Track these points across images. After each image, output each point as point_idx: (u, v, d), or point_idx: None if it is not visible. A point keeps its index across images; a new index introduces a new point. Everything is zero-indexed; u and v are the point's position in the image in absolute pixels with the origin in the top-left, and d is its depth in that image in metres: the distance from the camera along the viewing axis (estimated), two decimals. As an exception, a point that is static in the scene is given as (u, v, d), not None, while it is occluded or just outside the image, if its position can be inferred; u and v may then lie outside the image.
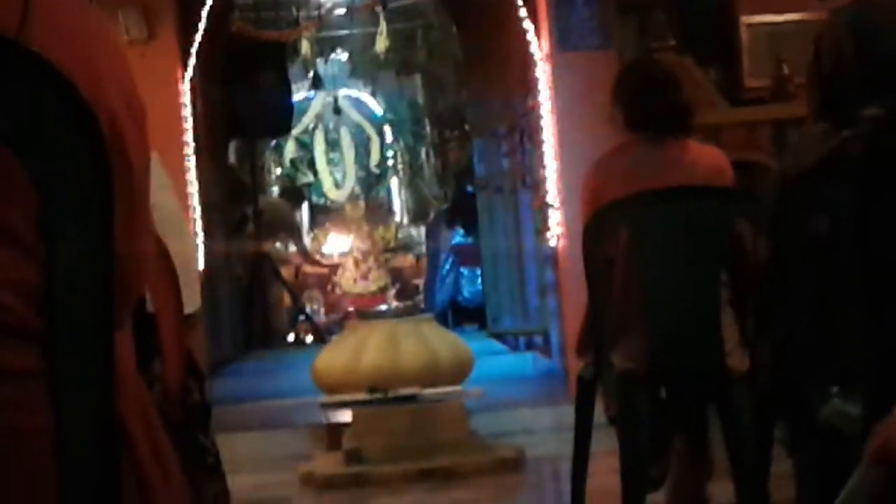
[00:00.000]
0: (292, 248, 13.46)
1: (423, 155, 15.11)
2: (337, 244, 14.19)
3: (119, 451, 1.38)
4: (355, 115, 14.93)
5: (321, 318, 12.99)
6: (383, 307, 8.48)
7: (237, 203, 11.85)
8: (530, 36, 7.68)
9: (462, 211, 12.16)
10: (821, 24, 3.28)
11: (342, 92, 14.77)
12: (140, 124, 1.46)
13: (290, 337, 12.41)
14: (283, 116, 11.74)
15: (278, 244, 13.06)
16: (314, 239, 14.15)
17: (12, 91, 1.29)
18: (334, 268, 13.84)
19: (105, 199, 1.32)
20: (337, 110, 14.73)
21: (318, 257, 13.86)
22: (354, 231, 14.02)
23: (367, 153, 15.01)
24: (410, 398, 6.25)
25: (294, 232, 13.29)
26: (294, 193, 14.15)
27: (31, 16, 1.35)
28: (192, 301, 3.18)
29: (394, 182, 15.12)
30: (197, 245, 7.51)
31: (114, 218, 1.33)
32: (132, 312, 1.54)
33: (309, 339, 12.09)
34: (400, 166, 15.11)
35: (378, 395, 6.24)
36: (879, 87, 2.94)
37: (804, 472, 3.55)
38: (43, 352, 1.33)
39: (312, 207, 14.59)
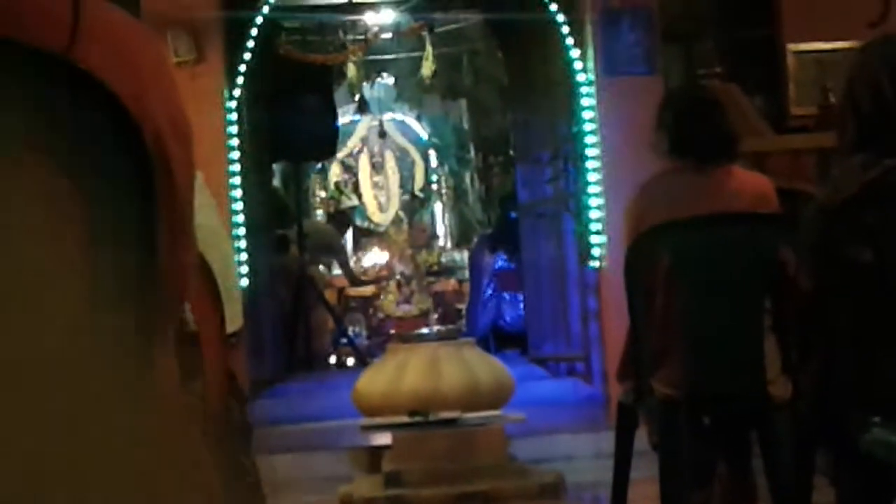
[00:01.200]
0: (336, 270, 13.49)
1: (467, 180, 15.13)
2: (377, 268, 14.23)
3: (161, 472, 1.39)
4: (400, 139, 14.96)
5: (363, 340, 13.00)
6: (425, 331, 8.46)
7: (281, 225, 11.89)
8: (576, 61, 7.69)
9: (505, 236, 12.16)
10: (853, 58, 3.27)
11: (387, 116, 14.81)
12: (186, 144, 1.47)
13: (332, 359, 12.42)
14: (328, 140, 11.77)
15: (322, 267, 13.10)
16: (357, 262, 14.19)
17: (60, 108, 1.31)
18: (378, 283, 13.84)
19: (148, 214, 1.33)
20: (382, 134, 14.77)
21: (363, 277, 13.89)
22: (397, 254, 14.05)
23: (412, 177, 15.04)
24: (451, 422, 6.24)
25: (340, 254, 13.33)
26: (339, 218, 14.19)
27: (81, 32, 1.36)
28: (234, 320, 3.19)
29: (437, 206, 15.14)
30: (239, 265, 7.54)
31: (157, 235, 1.34)
32: (175, 330, 1.55)
33: (351, 361, 12.10)
34: (444, 191, 15.12)
35: (418, 419, 6.24)
36: None
37: (846, 502, 3.52)
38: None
39: (356, 230, 14.63)
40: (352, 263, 13.86)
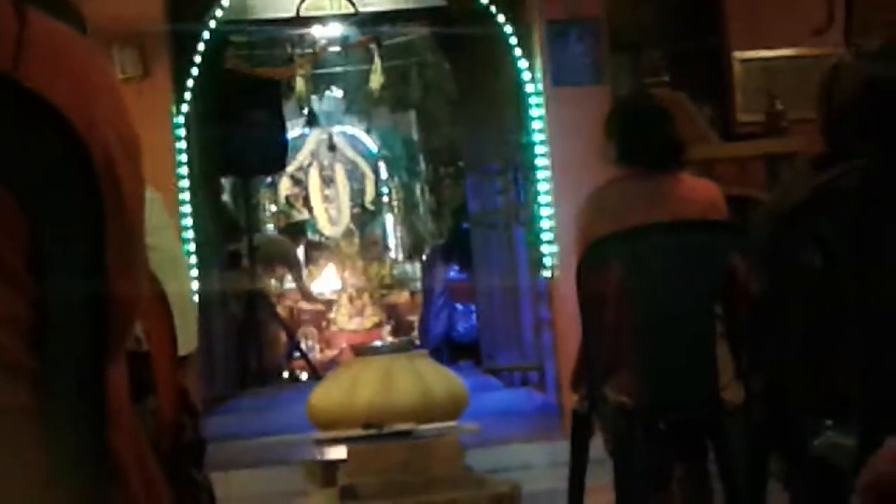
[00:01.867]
0: (288, 284, 13.45)
1: (417, 191, 15.12)
2: (329, 281, 14.19)
3: (111, 489, 1.38)
4: (350, 152, 14.94)
5: (316, 354, 12.97)
6: (378, 343, 8.45)
7: (231, 240, 11.84)
8: (524, 72, 7.71)
9: (457, 247, 12.17)
10: (827, 71, 3.27)
11: (337, 129, 14.79)
12: (135, 161, 1.46)
13: (286, 374, 12.38)
14: (277, 153, 11.73)
15: (273, 281, 13.06)
16: (309, 275, 14.15)
17: (6, 126, 1.30)
18: (329, 304, 13.82)
19: (96, 233, 1.32)
20: (332, 147, 14.74)
21: (315, 295, 13.87)
22: (349, 267, 14.03)
23: (362, 190, 15.02)
24: (405, 434, 6.24)
25: (294, 267, 13.27)
26: (294, 229, 14.14)
27: (26, 50, 1.35)
28: (188, 343, 3.19)
29: (389, 218, 15.13)
30: (192, 286, 7.50)
31: (106, 253, 1.33)
32: (125, 348, 1.54)
33: (304, 375, 12.06)
34: (395, 203, 15.11)
35: (373, 431, 6.23)
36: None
37: (799, 505, 3.54)
38: (34, 388, 1.33)
39: (308, 244, 14.60)
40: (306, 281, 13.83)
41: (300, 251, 14.10)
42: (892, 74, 3.00)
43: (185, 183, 7.67)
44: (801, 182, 3.13)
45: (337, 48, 13.18)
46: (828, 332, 2.90)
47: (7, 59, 1.34)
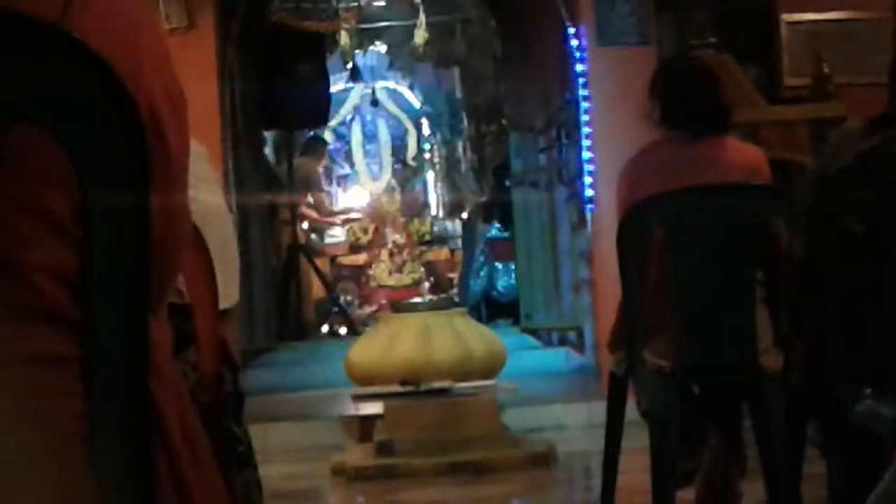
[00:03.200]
0: (329, 239, 13.46)
1: (460, 149, 15.11)
2: (354, 198, 14.15)
3: (152, 439, 1.39)
4: (393, 108, 14.94)
5: (355, 310, 13.00)
6: (417, 300, 8.46)
7: (271, 193, 11.86)
8: (569, 31, 7.68)
9: (498, 205, 12.16)
10: None
11: (380, 84, 14.78)
12: (180, 114, 1.47)
13: (324, 328, 12.43)
14: (321, 108, 11.74)
15: (314, 235, 13.06)
16: (331, 196, 14.06)
17: (53, 77, 1.31)
18: (348, 221, 13.67)
19: (142, 186, 1.34)
20: (374, 102, 14.74)
21: (335, 211, 13.75)
22: (389, 223, 14.03)
23: (404, 146, 15.02)
24: (442, 391, 6.26)
25: (312, 187, 12.91)
26: (314, 144, 13.53)
27: (74, 1, 1.36)
28: (229, 296, 3.19)
29: (430, 175, 15.13)
30: (234, 240, 7.53)
31: (151, 205, 1.35)
32: (168, 301, 1.56)
33: (343, 330, 12.10)
34: (436, 160, 15.11)
35: (410, 388, 6.26)
36: None
37: (836, 473, 3.54)
38: (79, 338, 1.34)
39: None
40: (328, 200, 13.73)
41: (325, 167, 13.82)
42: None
43: (228, 136, 7.68)
44: (846, 147, 3.11)
45: (382, 3, 13.14)
46: (869, 299, 2.89)
47: (56, 9, 1.35)
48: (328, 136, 14.60)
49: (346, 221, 13.67)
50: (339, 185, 14.56)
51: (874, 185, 2.87)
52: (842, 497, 3.37)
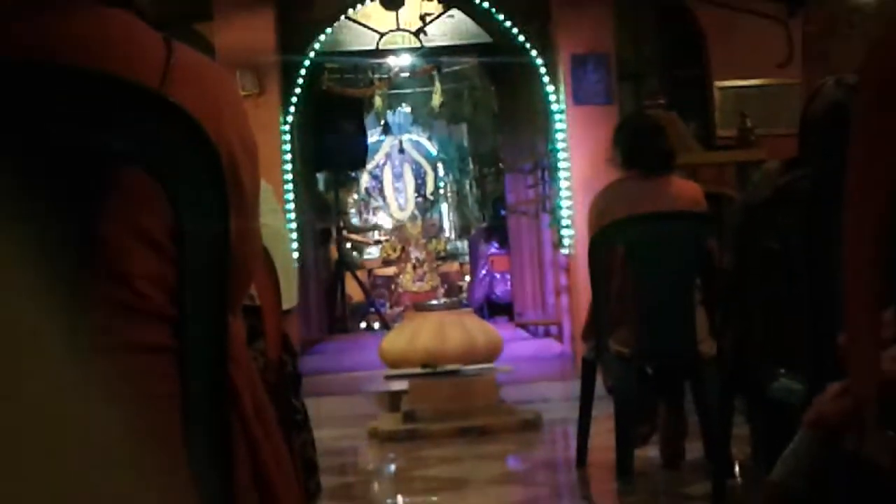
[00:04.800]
0: (366, 255, 13.46)
1: (467, 186, 15.10)
2: (378, 219, 14.23)
3: (230, 410, 1.39)
4: (415, 155, 14.94)
5: (386, 310, 13.00)
6: (434, 302, 8.46)
7: (323, 220, 11.86)
8: (551, 94, 7.67)
9: (496, 229, 12.16)
10: (811, 93, 3.21)
11: (405, 136, 14.78)
12: (252, 159, 1.47)
13: (363, 324, 12.42)
14: (360, 155, 11.76)
15: (355, 253, 13.06)
16: (363, 218, 14.18)
17: (155, 131, 1.31)
18: (366, 237, 13.78)
19: (223, 213, 1.34)
20: (401, 150, 14.74)
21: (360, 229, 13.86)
22: (413, 243, 14.01)
23: (424, 184, 15.02)
24: (454, 372, 6.25)
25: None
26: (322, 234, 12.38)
27: (171, 73, 1.37)
28: (289, 299, 3.19)
29: (444, 206, 15.12)
30: (294, 256, 7.53)
31: (230, 228, 1.35)
32: (243, 303, 1.56)
33: (377, 326, 12.10)
34: (449, 194, 15.09)
35: (429, 370, 6.24)
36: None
37: (758, 435, 3.53)
38: (173, 331, 1.34)
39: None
40: (358, 219, 13.81)
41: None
42: (848, 101, 2.96)
43: (290, 177, 7.69)
44: (766, 183, 3.10)
45: (406, 74, 13.16)
46: (782, 300, 2.88)
47: (157, 78, 1.36)
48: (365, 176, 14.62)
49: (377, 242, 13.72)
50: (374, 213, 14.57)
51: (788, 214, 2.86)
52: (763, 453, 3.35)
